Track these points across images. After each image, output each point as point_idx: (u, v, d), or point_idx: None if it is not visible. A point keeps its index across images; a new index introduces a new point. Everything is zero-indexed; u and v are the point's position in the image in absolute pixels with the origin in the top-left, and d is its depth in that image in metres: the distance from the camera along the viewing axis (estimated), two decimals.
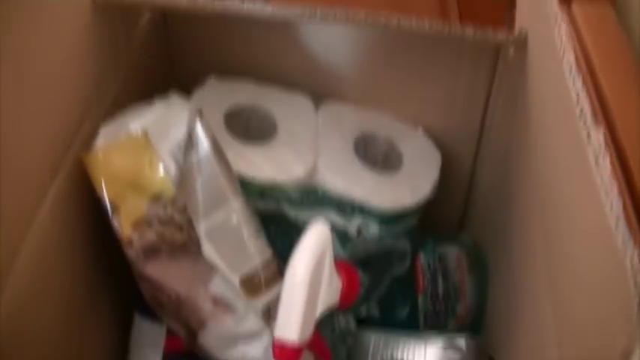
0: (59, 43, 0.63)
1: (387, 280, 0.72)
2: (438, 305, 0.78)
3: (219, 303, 0.66)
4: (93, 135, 0.65)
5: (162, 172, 0.63)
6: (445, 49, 0.80)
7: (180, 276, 0.65)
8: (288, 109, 0.81)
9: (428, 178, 0.80)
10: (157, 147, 0.63)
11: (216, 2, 0.70)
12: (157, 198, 0.63)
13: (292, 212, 0.76)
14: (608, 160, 0.45)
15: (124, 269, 0.66)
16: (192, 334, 0.68)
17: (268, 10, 0.70)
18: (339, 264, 0.66)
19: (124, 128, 0.64)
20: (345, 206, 0.76)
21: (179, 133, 0.65)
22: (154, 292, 0.66)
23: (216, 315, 0.66)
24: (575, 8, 0.59)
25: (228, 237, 0.66)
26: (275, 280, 0.67)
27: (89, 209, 0.65)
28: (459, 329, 0.73)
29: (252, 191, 0.73)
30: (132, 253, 0.64)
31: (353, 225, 0.77)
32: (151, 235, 0.64)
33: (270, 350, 0.62)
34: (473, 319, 0.83)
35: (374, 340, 0.74)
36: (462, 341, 0.71)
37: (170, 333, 0.73)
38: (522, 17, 0.73)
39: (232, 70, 0.83)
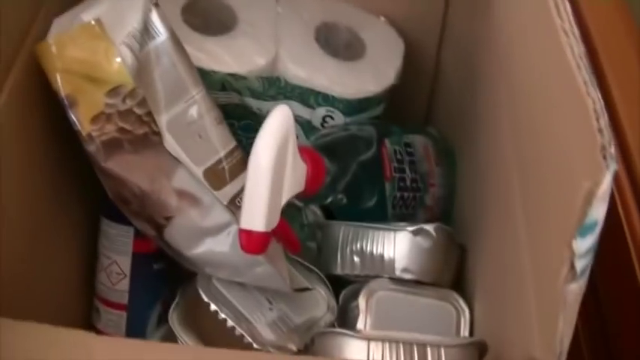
0: None
1: (353, 167, 0.72)
2: (407, 194, 0.78)
3: (184, 196, 0.65)
4: (46, 29, 0.63)
5: (119, 62, 0.61)
6: None
7: (143, 170, 0.64)
8: None
9: (391, 65, 0.80)
10: (112, 37, 0.61)
11: None
12: (115, 91, 0.62)
13: (255, 104, 0.75)
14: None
15: (89, 173, 0.65)
16: (159, 231, 0.67)
17: None
18: (303, 149, 0.65)
19: (77, 20, 0.62)
20: (308, 97, 0.76)
21: (134, 22, 0.63)
22: (117, 188, 0.65)
23: (182, 209, 0.65)
24: None
25: (190, 128, 0.65)
26: (240, 170, 0.66)
27: (48, 106, 0.63)
28: (428, 221, 0.73)
29: (213, 84, 0.72)
30: (92, 148, 0.62)
31: (317, 116, 0.76)
32: (110, 129, 0.62)
33: (237, 243, 0.62)
34: (442, 210, 0.83)
35: (343, 232, 0.73)
36: (431, 227, 0.71)
37: (138, 235, 0.72)
38: None
39: None
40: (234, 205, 0.66)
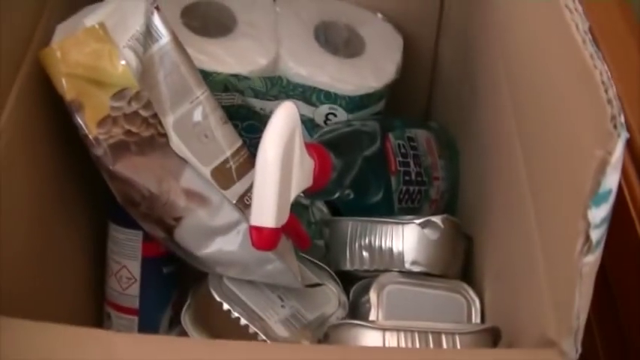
0: None
1: (358, 162, 0.72)
2: (412, 188, 0.78)
3: (193, 196, 0.66)
4: (49, 36, 0.63)
5: (124, 65, 0.61)
6: None
7: (151, 171, 0.64)
8: (245, 1, 0.80)
9: (391, 61, 0.80)
10: (116, 40, 0.62)
11: None
12: (120, 94, 0.62)
13: (258, 104, 0.75)
14: None
15: (95, 178, 0.65)
16: (169, 232, 0.67)
17: None
18: (310, 145, 0.65)
19: (80, 25, 0.63)
20: (310, 95, 0.76)
21: (137, 25, 0.63)
22: (126, 190, 0.65)
23: (191, 209, 0.66)
24: None
25: (196, 129, 0.65)
26: (247, 168, 0.67)
27: (53, 112, 0.63)
28: (433, 214, 0.74)
29: (216, 86, 0.72)
30: (100, 151, 0.62)
31: (320, 114, 0.77)
32: (117, 132, 0.62)
33: (247, 241, 0.62)
34: (446, 203, 0.84)
35: (351, 228, 0.74)
36: (439, 219, 0.72)
37: (147, 239, 0.72)
38: None
39: None
40: (243, 203, 0.66)
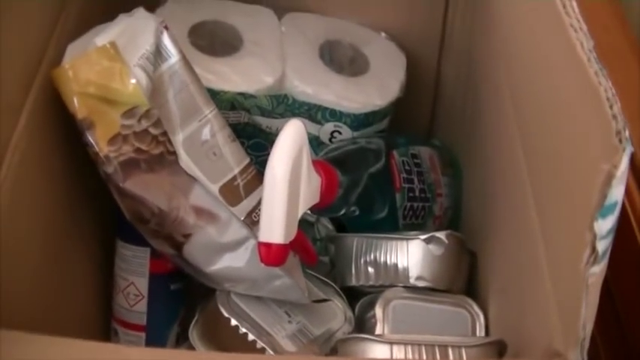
0: None
1: (364, 179, 0.73)
2: (416, 204, 0.79)
3: (202, 213, 0.66)
4: (60, 55, 0.64)
5: (134, 84, 0.62)
6: None
7: (160, 189, 0.65)
8: (251, 20, 0.81)
9: (395, 79, 0.81)
10: (126, 59, 0.63)
11: None
12: (130, 112, 0.63)
13: (264, 122, 0.76)
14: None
15: (104, 195, 0.66)
16: (178, 249, 0.68)
17: None
18: (317, 162, 0.66)
19: (91, 45, 0.64)
20: (316, 113, 0.77)
21: (147, 44, 0.64)
22: (136, 208, 0.65)
23: (200, 226, 0.67)
24: None
25: (205, 146, 0.66)
26: (255, 185, 0.68)
27: (64, 130, 0.64)
28: (437, 230, 0.74)
29: (223, 104, 0.73)
30: (110, 169, 0.63)
31: (325, 131, 0.78)
32: (127, 150, 0.63)
33: (255, 257, 0.63)
34: (449, 219, 0.84)
35: (356, 244, 0.74)
36: (443, 234, 0.72)
37: (154, 255, 0.73)
38: None
39: None
40: (251, 220, 0.67)
